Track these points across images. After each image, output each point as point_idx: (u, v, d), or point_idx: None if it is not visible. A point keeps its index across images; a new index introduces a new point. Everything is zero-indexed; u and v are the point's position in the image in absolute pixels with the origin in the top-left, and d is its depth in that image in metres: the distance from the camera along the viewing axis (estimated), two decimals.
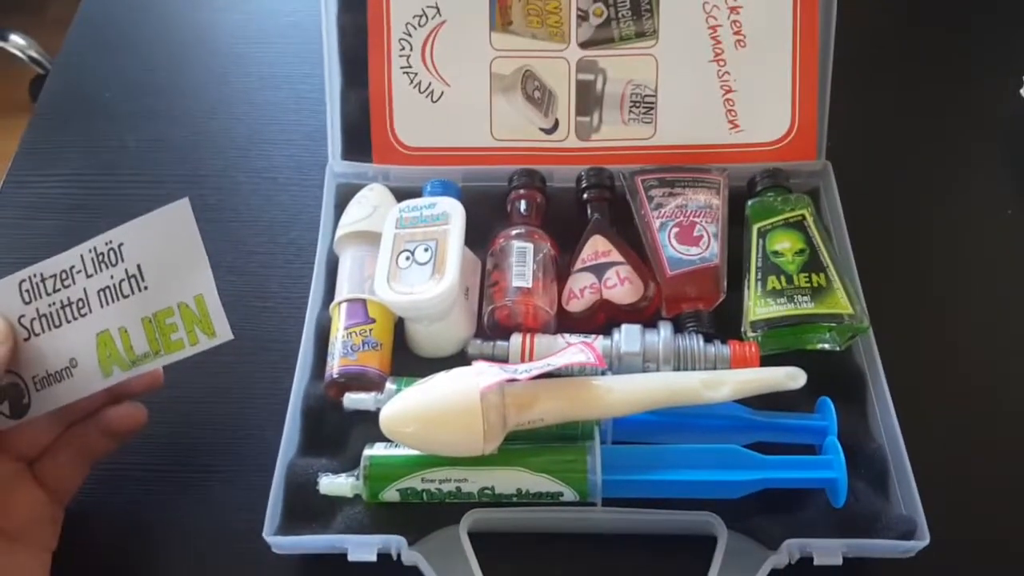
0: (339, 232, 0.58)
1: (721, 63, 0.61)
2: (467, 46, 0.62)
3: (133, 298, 0.44)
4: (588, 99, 0.63)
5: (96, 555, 0.50)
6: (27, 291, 0.45)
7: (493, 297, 0.55)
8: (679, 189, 0.59)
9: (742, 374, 0.49)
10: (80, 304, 0.45)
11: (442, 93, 0.62)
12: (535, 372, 0.47)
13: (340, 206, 0.61)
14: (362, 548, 0.47)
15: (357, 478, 0.48)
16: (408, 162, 0.63)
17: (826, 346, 0.54)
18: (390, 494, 0.48)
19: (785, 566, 0.47)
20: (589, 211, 0.60)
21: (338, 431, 0.52)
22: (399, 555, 0.47)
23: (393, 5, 0.61)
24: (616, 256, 0.56)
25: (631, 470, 0.48)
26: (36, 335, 0.45)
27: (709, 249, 0.56)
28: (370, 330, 0.53)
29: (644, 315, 0.55)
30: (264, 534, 0.47)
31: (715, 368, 0.52)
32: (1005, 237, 0.64)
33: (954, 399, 0.55)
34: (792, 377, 0.48)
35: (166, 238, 0.44)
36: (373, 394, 0.50)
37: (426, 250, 0.54)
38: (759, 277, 0.55)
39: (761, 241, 0.56)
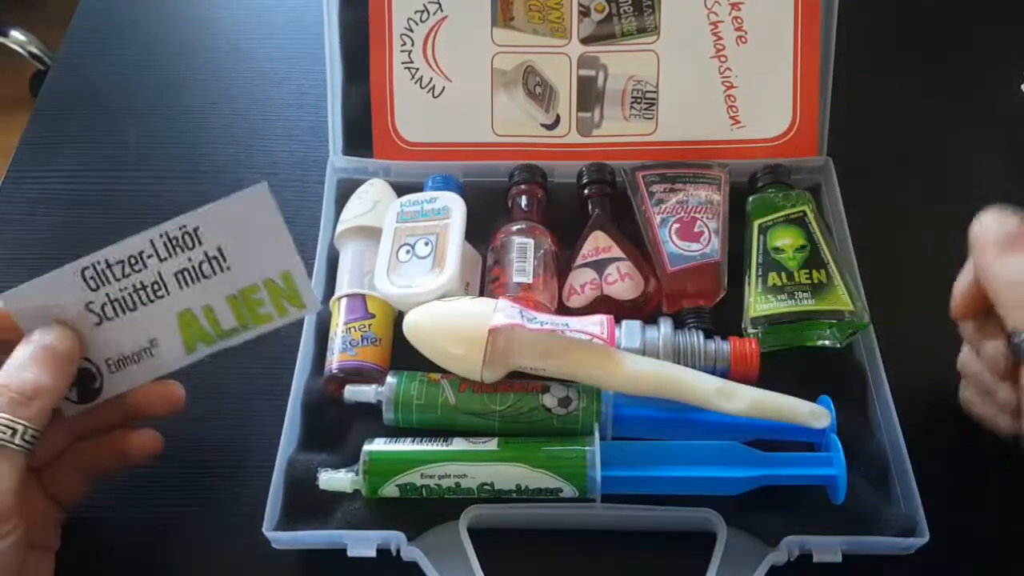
0: (340, 227, 0.58)
1: (722, 59, 0.61)
2: (468, 41, 0.62)
3: (216, 278, 0.46)
4: (589, 95, 0.62)
5: (96, 551, 0.50)
6: (92, 278, 0.46)
7: (494, 292, 0.55)
8: (680, 185, 0.59)
9: (762, 394, 0.49)
10: (156, 287, 0.46)
11: (443, 88, 0.62)
12: (548, 328, 0.48)
13: (341, 201, 0.61)
14: (362, 544, 0.47)
15: (357, 473, 0.48)
16: (409, 157, 0.63)
17: (827, 343, 0.54)
18: (390, 489, 0.48)
19: (784, 563, 0.47)
20: (590, 207, 0.60)
21: (338, 426, 0.52)
22: (399, 551, 0.47)
23: (395, 0, 0.61)
24: (617, 252, 0.56)
25: (631, 466, 0.48)
26: (108, 319, 0.46)
27: (710, 245, 0.56)
28: (369, 325, 0.53)
29: (644, 311, 0.55)
30: (264, 529, 0.47)
31: (715, 364, 0.52)
32: None
33: (955, 396, 0.55)
34: (816, 416, 0.48)
35: (246, 221, 0.45)
36: (373, 386, 0.50)
37: (426, 244, 0.54)
38: (760, 273, 0.55)
39: (762, 237, 0.56)
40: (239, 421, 0.55)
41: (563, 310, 0.56)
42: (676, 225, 0.57)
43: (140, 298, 0.46)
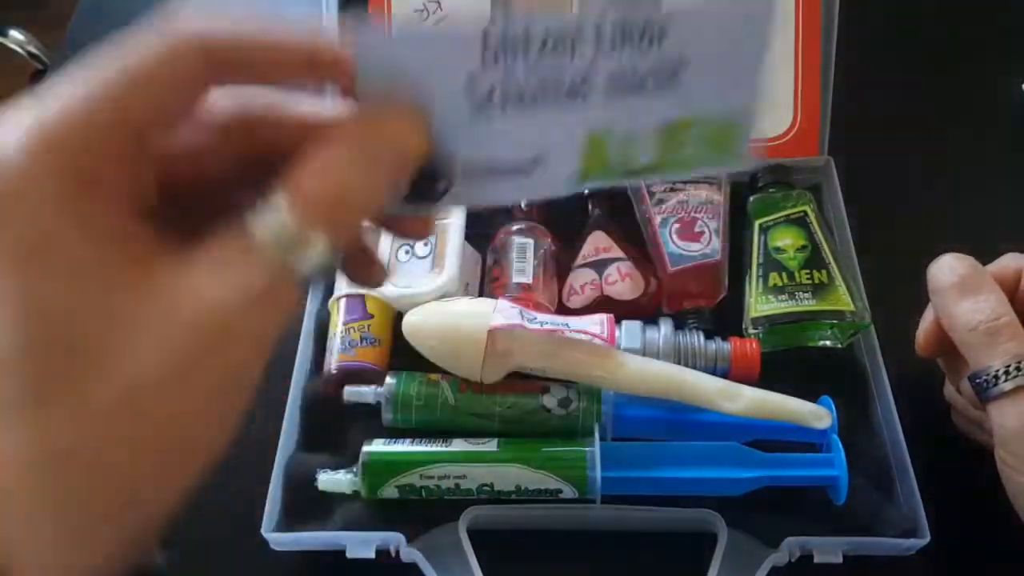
0: None
1: None
2: None
3: (655, 96, 0.32)
4: None
5: None
6: (495, 47, 0.30)
7: (494, 292, 0.54)
8: (680, 185, 0.59)
9: (763, 395, 0.48)
10: (576, 86, 0.31)
11: None
12: (548, 328, 0.48)
13: None
14: (361, 545, 0.47)
15: (356, 474, 0.48)
16: None
17: (827, 343, 0.54)
18: (389, 491, 0.47)
19: (785, 564, 0.46)
20: (590, 207, 0.59)
21: (337, 427, 0.52)
22: (398, 552, 0.47)
23: (394, 0, 0.61)
24: (617, 252, 0.56)
25: (631, 467, 0.48)
26: (490, 109, 0.31)
27: (710, 245, 0.56)
28: (368, 326, 0.53)
29: (645, 311, 0.55)
30: (263, 531, 0.47)
31: (716, 364, 0.52)
32: (1008, 233, 0.63)
33: None
34: (817, 417, 0.48)
35: (727, 32, 0.31)
36: (373, 387, 0.50)
37: (426, 244, 0.54)
38: (760, 274, 0.55)
39: (763, 237, 0.56)
40: (238, 421, 0.54)
41: (563, 310, 0.55)
42: (676, 225, 0.57)
43: (547, 96, 0.31)
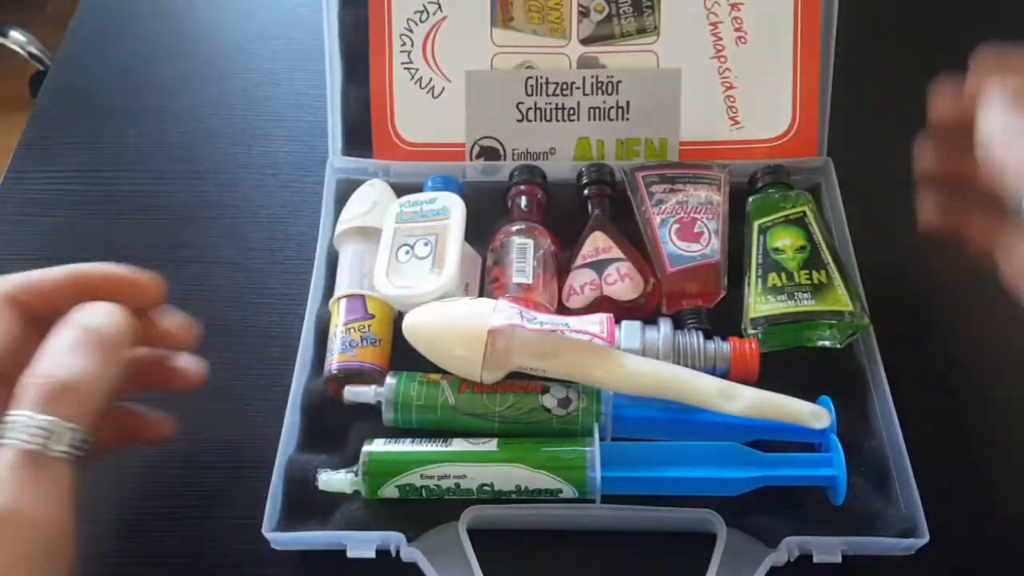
0: (339, 228, 0.58)
1: (722, 59, 0.61)
2: (468, 42, 0.62)
3: (616, 123, 0.60)
4: None
5: (94, 551, 0.50)
6: (531, 86, 0.60)
7: (493, 293, 0.54)
8: (680, 185, 0.59)
9: (762, 395, 0.49)
10: (571, 112, 0.60)
11: (443, 89, 0.62)
12: (548, 328, 0.48)
13: (340, 202, 0.60)
14: (361, 545, 0.47)
15: (356, 474, 0.48)
16: (408, 157, 0.63)
17: (826, 343, 0.54)
18: (389, 490, 0.48)
19: (784, 564, 0.47)
20: (590, 207, 0.60)
21: (337, 427, 0.52)
22: (398, 551, 0.47)
23: (395, 0, 0.61)
24: (616, 252, 0.56)
25: (631, 467, 0.48)
26: (528, 121, 0.60)
27: (710, 246, 0.56)
28: (368, 326, 0.53)
29: (644, 311, 0.55)
30: (263, 530, 0.47)
31: (715, 365, 0.52)
32: None
33: (954, 397, 0.55)
34: (816, 417, 0.48)
35: (655, 90, 0.60)
36: (373, 387, 0.50)
37: (426, 244, 0.54)
38: (760, 274, 0.55)
39: (762, 238, 0.56)
40: (239, 421, 0.55)
41: (563, 311, 0.55)
42: (676, 225, 0.57)
43: (556, 115, 0.60)
